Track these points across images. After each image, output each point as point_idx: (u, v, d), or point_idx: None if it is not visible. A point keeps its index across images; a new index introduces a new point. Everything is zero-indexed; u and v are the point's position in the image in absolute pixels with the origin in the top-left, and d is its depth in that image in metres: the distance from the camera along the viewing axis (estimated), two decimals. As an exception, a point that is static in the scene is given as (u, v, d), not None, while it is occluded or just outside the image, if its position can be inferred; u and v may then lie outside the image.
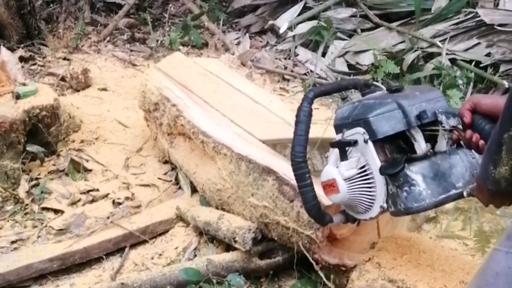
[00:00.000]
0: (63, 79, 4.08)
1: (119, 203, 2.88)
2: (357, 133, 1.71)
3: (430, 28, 4.35)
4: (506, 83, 3.77)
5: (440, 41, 4.20)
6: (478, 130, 1.52)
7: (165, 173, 3.16)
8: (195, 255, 2.56)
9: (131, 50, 4.74)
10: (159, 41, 4.86)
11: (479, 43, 4.13)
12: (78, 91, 4.02)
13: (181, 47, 4.75)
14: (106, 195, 2.96)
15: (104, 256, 2.58)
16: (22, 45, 4.44)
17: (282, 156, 2.54)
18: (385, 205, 1.71)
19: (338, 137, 1.78)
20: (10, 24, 4.39)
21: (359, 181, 1.74)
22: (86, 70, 4.07)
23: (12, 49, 4.22)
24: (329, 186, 1.79)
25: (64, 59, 4.46)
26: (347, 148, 1.75)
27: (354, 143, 1.72)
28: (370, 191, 1.73)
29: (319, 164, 2.48)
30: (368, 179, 1.73)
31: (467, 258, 2.47)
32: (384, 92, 1.80)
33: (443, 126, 1.64)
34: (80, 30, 4.68)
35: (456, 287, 1.87)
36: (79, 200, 2.93)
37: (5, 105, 3.07)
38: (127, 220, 2.71)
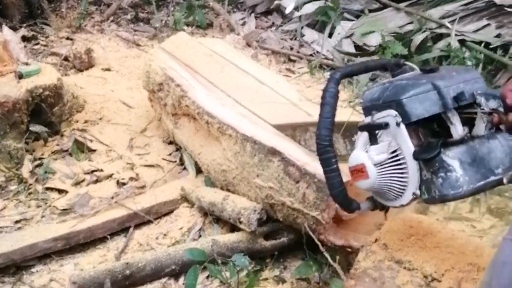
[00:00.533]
0: (66, 59, 4.06)
1: (124, 184, 2.87)
2: (388, 115, 1.61)
3: (439, 9, 4.28)
4: (515, 65, 3.72)
5: (449, 22, 4.13)
6: None
7: (170, 154, 3.15)
8: (200, 236, 2.54)
9: (135, 30, 4.70)
10: (163, 21, 4.82)
11: (488, 24, 4.07)
12: (82, 71, 3.99)
13: (185, 27, 4.70)
14: (110, 175, 2.95)
15: (108, 236, 2.57)
16: (25, 24, 4.42)
17: (288, 137, 2.51)
18: (418, 192, 1.61)
19: (367, 119, 1.68)
20: (13, 3, 4.36)
21: (390, 166, 1.64)
22: (89, 50, 4.04)
23: (14, 29, 4.19)
24: (358, 172, 1.69)
25: (67, 38, 4.43)
26: (377, 132, 1.66)
27: (385, 125, 1.62)
28: (402, 177, 1.63)
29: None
30: (400, 164, 1.62)
31: (475, 239, 2.44)
32: (418, 73, 1.70)
33: (482, 109, 1.55)
34: (83, 9, 4.64)
35: (463, 269, 1.84)
36: (83, 180, 2.92)
37: (7, 85, 3.05)
38: (132, 200, 2.69)
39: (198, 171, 2.89)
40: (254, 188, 2.45)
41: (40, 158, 3.04)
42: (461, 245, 1.94)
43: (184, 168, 2.99)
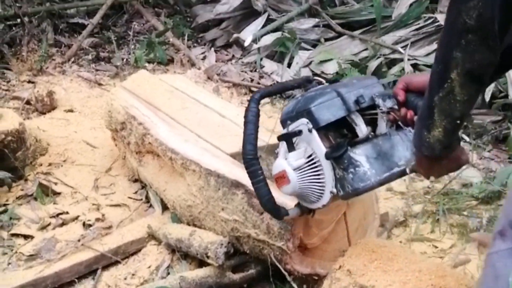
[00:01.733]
0: (28, 102, 4.05)
1: (90, 225, 2.86)
2: (301, 124, 1.79)
3: (391, 35, 4.42)
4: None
5: (401, 47, 4.27)
6: (412, 107, 1.62)
7: (135, 192, 3.15)
8: (169, 273, 2.55)
9: (97, 70, 4.72)
10: (125, 59, 4.85)
11: (439, 48, 4.21)
12: (44, 113, 3.98)
13: (147, 64, 4.75)
14: (76, 218, 2.93)
15: (76, 280, 2.55)
16: (-15, 70, 4.39)
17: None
18: (334, 190, 1.79)
19: (284, 130, 1.86)
20: (-28, 49, 4.34)
21: (308, 169, 1.82)
22: (51, 92, 4.04)
23: (-25, 75, 4.17)
24: (280, 178, 1.87)
25: (29, 82, 4.42)
26: (293, 140, 1.84)
27: (299, 132, 1.80)
28: (319, 178, 1.81)
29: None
30: (316, 166, 1.80)
31: (437, 260, 2.51)
32: (325, 85, 1.91)
33: (381, 109, 1.73)
34: (44, 52, 4.64)
35: (426, 290, 1.89)
36: (49, 224, 2.90)
37: (-31, 132, 3.03)
38: (99, 241, 2.68)
39: (164, 207, 2.90)
40: (220, 221, 2.47)
41: (4, 204, 3.02)
42: (423, 267, 1.99)
43: (150, 206, 3.00)
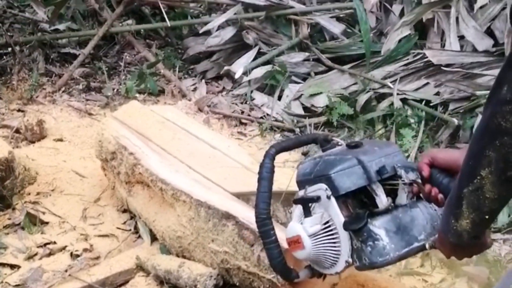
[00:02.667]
0: (17, 131, 4.03)
1: (77, 255, 2.83)
2: (319, 189, 1.74)
3: (380, 70, 4.47)
4: (455, 121, 3.89)
5: (391, 82, 4.32)
6: (437, 184, 1.58)
7: (124, 222, 3.13)
8: (157, 305, 2.53)
9: (87, 100, 4.72)
10: (115, 90, 4.86)
11: (428, 83, 4.27)
12: (33, 142, 3.96)
13: (137, 95, 4.75)
14: (64, 248, 2.91)
15: (63, 311, 2.53)
16: (-25, 99, 4.38)
17: (241, 201, 2.56)
18: (350, 260, 1.73)
19: (300, 193, 1.81)
20: (-37, 77, 4.34)
21: (324, 237, 1.77)
22: (41, 121, 4.03)
23: (-35, 103, 4.16)
24: (294, 243, 1.81)
25: (19, 110, 4.41)
26: (310, 204, 1.79)
27: (317, 199, 1.75)
28: (335, 247, 1.75)
29: (283, 217, 2.51)
30: (332, 234, 1.75)
31: (427, 294, 2.50)
32: (344, 148, 1.86)
33: (403, 180, 1.69)
34: (34, 81, 4.64)
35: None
36: (36, 254, 2.87)
37: (-43, 160, 3.01)
38: (86, 272, 2.66)
39: (154, 238, 2.88)
40: (210, 253, 2.46)
41: (-9, 234, 2.99)
42: (413, 300, 1.99)
43: (139, 236, 2.98)
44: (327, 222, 1.76)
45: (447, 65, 4.25)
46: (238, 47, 5.08)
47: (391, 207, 1.72)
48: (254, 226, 2.33)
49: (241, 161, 3.00)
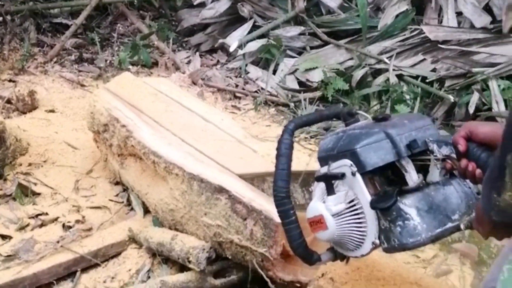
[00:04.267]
0: (9, 101, 3.99)
1: (69, 227, 2.82)
2: (344, 165, 1.61)
3: (377, 45, 4.44)
4: (451, 98, 3.88)
5: (387, 58, 4.30)
6: (474, 158, 1.46)
7: (117, 195, 3.12)
8: (149, 277, 2.52)
9: (79, 71, 4.68)
10: (108, 61, 4.82)
11: (424, 59, 4.24)
12: (25, 113, 3.93)
13: (130, 67, 4.72)
14: (56, 219, 2.89)
15: (54, 282, 2.52)
16: (-34, 68, 4.33)
17: (234, 175, 2.54)
18: (377, 241, 1.59)
19: (323, 170, 1.68)
20: (-47, 46, 4.28)
21: (348, 216, 1.63)
22: (32, 92, 3.99)
23: (-45, 72, 4.11)
24: (316, 223, 1.67)
25: (10, 81, 4.36)
26: (333, 182, 1.65)
27: (342, 176, 1.61)
28: (360, 227, 1.62)
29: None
30: (357, 214, 1.61)
31: (419, 270, 2.51)
32: (370, 121, 1.72)
33: (435, 156, 1.57)
34: (26, 51, 4.59)
35: (408, 299, 1.90)
36: (27, 225, 2.85)
37: None
38: (78, 243, 2.65)
39: (146, 211, 2.87)
40: (202, 226, 2.45)
41: (-18, 204, 2.97)
42: (405, 277, 1.99)
43: (132, 209, 2.97)
44: (352, 200, 1.61)
45: (444, 42, 4.22)
46: (233, 19, 5.03)
47: (422, 184, 1.58)
48: (246, 200, 2.33)
49: (234, 134, 2.98)
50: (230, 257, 2.40)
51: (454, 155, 1.52)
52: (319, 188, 1.70)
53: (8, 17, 4.88)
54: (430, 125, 1.65)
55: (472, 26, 4.28)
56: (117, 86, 3.36)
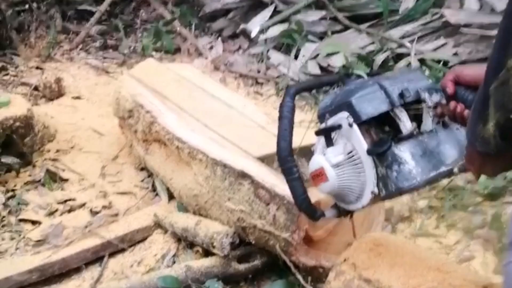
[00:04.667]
0: (36, 88, 4.07)
1: (97, 212, 2.89)
2: (341, 117, 1.68)
3: (398, 29, 4.41)
4: (473, 82, 3.85)
5: (408, 42, 4.27)
6: (462, 100, 1.52)
7: (142, 180, 3.18)
8: (174, 262, 2.58)
9: (104, 57, 4.73)
10: (132, 47, 4.86)
11: (446, 43, 4.21)
12: (52, 100, 4.00)
13: (154, 53, 4.75)
14: (83, 204, 2.96)
15: (83, 266, 2.59)
16: (-6, 55, 4.41)
17: (257, 160, 2.58)
18: (376, 190, 1.66)
19: (322, 125, 1.74)
20: (-19, 35, 4.36)
21: (348, 166, 1.69)
22: (59, 79, 4.05)
23: (-17, 60, 4.19)
24: (318, 176, 1.74)
25: (37, 68, 4.44)
26: (332, 135, 1.72)
27: (339, 127, 1.68)
28: (359, 176, 1.68)
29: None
30: (356, 164, 1.68)
31: (442, 256, 2.52)
32: (365, 78, 1.81)
33: (427, 104, 1.63)
34: (52, 38, 4.65)
35: (431, 286, 1.91)
36: (56, 210, 2.93)
37: (-22, 117, 3.06)
38: (105, 228, 2.71)
39: (171, 196, 2.92)
40: (226, 211, 2.50)
41: (12, 190, 3.05)
42: (428, 262, 2.01)
43: (157, 194, 3.02)
44: (351, 152, 1.68)
45: (466, 25, 4.18)
46: (254, 5, 5.02)
47: (416, 132, 1.65)
48: (269, 185, 2.37)
49: (256, 120, 3.01)
50: (253, 242, 2.44)
51: (444, 101, 1.59)
52: (319, 143, 1.78)
53: (34, 5, 4.94)
54: (423, 77, 1.73)
55: (493, 10, 4.23)
56: (141, 73, 3.40)
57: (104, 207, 2.93)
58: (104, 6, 5.05)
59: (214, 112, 3.05)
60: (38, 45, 4.57)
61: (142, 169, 3.23)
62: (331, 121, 1.71)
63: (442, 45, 4.21)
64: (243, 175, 2.43)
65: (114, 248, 2.66)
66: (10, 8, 4.87)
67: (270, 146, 2.75)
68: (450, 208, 2.82)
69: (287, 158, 1.78)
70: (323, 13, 4.74)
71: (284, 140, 1.79)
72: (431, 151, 1.64)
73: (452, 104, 1.54)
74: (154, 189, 3.07)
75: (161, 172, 2.99)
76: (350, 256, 2.05)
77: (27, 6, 4.97)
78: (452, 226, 2.76)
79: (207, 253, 2.53)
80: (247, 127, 2.95)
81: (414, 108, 1.66)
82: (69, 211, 2.92)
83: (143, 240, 2.72)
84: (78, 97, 4.06)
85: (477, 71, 1.46)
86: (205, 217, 2.62)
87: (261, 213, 2.34)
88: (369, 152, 1.64)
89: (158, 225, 2.76)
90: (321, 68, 4.44)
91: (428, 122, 1.66)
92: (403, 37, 4.34)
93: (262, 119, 3.06)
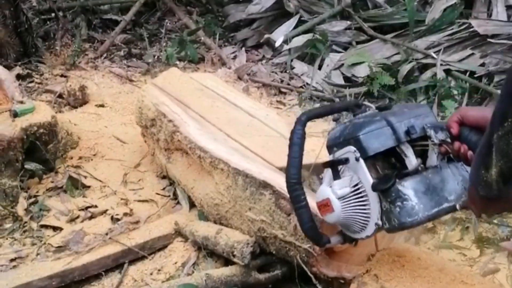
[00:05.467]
0: (60, 96, 4.11)
1: (118, 219, 2.88)
2: (348, 151, 1.75)
3: (424, 40, 4.38)
4: (500, 93, 3.79)
5: (434, 52, 4.23)
6: (466, 141, 1.57)
7: (163, 188, 3.17)
8: (194, 270, 2.56)
9: (128, 66, 4.77)
10: (156, 57, 4.90)
11: (473, 54, 4.16)
12: (76, 107, 4.03)
13: (177, 62, 4.78)
14: (105, 211, 2.97)
15: (103, 273, 2.58)
16: (20, 62, 4.46)
17: (279, 170, 2.55)
18: (380, 222, 1.73)
19: (330, 157, 1.82)
20: (7, 42, 4.41)
21: (353, 199, 1.77)
22: (83, 86, 4.09)
23: (9, 67, 4.23)
24: (324, 206, 1.82)
25: (62, 76, 4.48)
26: (339, 167, 1.79)
27: (346, 161, 1.75)
28: (364, 209, 1.76)
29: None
30: (361, 197, 1.75)
31: (465, 268, 2.48)
32: (374, 111, 1.84)
33: (432, 141, 1.67)
34: (77, 46, 4.71)
35: (453, 298, 1.87)
36: (77, 217, 2.94)
37: (2, 124, 3.08)
38: (126, 236, 2.71)
39: (192, 205, 2.92)
40: (247, 221, 2.48)
41: (35, 196, 3.07)
42: (451, 275, 1.97)
43: (178, 203, 3.02)
44: (356, 184, 1.75)
45: (493, 36, 4.13)
46: (279, 14, 5.03)
47: (420, 168, 1.71)
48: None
49: (279, 130, 2.99)
50: (274, 252, 2.41)
51: (449, 140, 1.64)
52: (327, 174, 1.85)
53: (60, 14, 5.02)
54: (429, 113, 1.78)
55: (522, 20, 4.18)
56: (165, 82, 3.41)
57: (125, 214, 2.93)
58: (129, 16, 5.10)
59: (237, 121, 3.04)
60: (63, 53, 4.62)
61: (163, 177, 3.23)
62: (338, 154, 1.78)
63: (469, 56, 4.17)
64: (264, 185, 2.42)
65: (134, 256, 2.65)
66: (36, 16, 4.96)
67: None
68: (474, 220, 2.77)
69: (295, 186, 1.84)
70: (348, 23, 4.73)
71: (294, 167, 1.84)
72: (434, 187, 1.69)
73: (456, 144, 1.60)
74: (175, 197, 3.06)
75: (182, 180, 2.98)
76: (372, 268, 2.03)
77: (53, 14, 5.05)
78: (477, 238, 2.71)
79: (227, 262, 2.51)
80: (269, 137, 2.93)
81: (419, 144, 1.72)
82: (90, 217, 2.92)
83: (163, 248, 2.71)
84: (101, 105, 4.09)
85: (481, 113, 1.52)
86: (226, 226, 2.60)
87: (282, 223, 2.32)
88: (374, 188, 1.70)
89: (178, 233, 2.75)
90: (345, 78, 4.42)
91: (433, 158, 1.71)
92: (429, 47, 4.31)
93: (284, 128, 3.04)
